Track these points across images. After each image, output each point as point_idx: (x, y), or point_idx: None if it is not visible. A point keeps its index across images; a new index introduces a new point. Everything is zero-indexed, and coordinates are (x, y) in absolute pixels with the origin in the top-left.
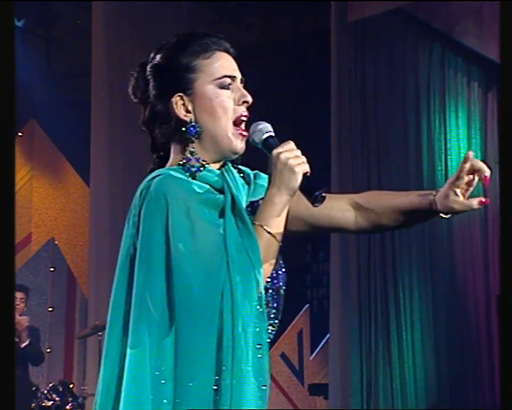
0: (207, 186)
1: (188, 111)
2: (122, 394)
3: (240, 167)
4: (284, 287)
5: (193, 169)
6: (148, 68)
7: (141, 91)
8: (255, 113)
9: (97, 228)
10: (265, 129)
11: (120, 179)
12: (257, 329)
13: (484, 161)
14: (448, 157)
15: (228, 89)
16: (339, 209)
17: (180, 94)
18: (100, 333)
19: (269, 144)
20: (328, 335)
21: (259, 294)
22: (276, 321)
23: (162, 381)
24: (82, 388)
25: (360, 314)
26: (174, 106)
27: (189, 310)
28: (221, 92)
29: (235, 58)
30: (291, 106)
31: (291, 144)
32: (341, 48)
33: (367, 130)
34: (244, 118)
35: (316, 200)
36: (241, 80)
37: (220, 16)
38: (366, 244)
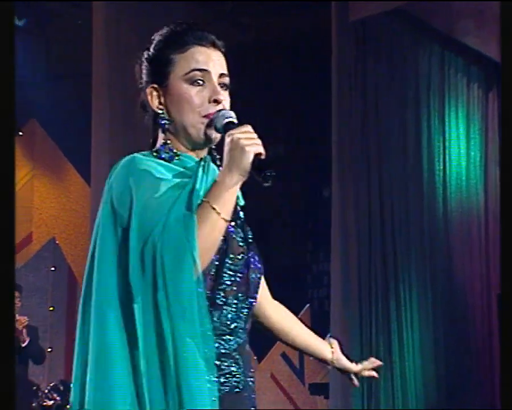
0: (181, 169)
1: (160, 104)
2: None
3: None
4: (254, 275)
5: (165, 157)
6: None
7: (139, 79)
8: (256, 112)
9: None
10: (227, 115)
11: None
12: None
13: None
14: (447, 157)
15: (198, 84)
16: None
17: (154, 85)
18: None
19: (229, 129)
20: (329, 335)
21: (197, 274)
22: (245, 311)
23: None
24: None
25: (361, 313)
26: (149, 97)
27: (131, 283)
28: (189, 88)
29: (224, 55)
30: (292, 106)
31: (247, 127)
32: (342, 47)
33: (368, 130)
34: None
35: (264, 178)
36: (221, 74)
37: (219, 15)
38: (366, 243)
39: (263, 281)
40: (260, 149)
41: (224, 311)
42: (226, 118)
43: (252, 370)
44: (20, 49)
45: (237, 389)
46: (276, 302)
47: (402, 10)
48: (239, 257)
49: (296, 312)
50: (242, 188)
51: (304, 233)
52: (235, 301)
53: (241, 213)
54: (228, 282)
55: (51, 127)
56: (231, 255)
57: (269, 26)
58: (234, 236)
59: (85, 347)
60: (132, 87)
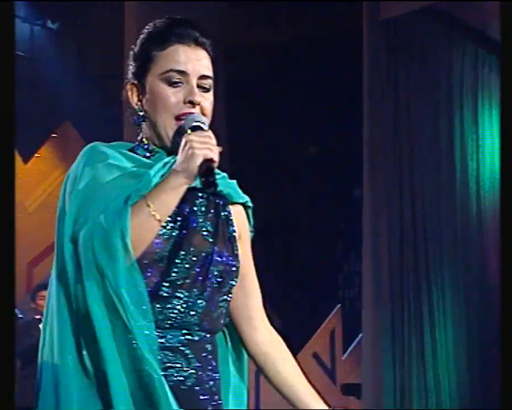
0: (149, 162)
1: (139, 100)
2: None
3: None
4: (217, 272)
5: (140, 153)
6: None
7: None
8: (289, 113)
9: None
10: (196, 118)
11: None
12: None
13: None
14: (481, 156)
15: (175, 85)
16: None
17: (134, 82)
18: None
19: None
20: (360, 335)
21: (131, 263)
22: (200, 308)
23: None
24: None
25: (392, 314)
26: (129, 93)
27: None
28: (165, 88)
29: (209, 53)
30: (323, 106)
31: (207, 132)
32: (373, 47)
33: (399, 130)
34: (184, 117)
35: (204, 184)
36: (202, 76)
37: (250, 15)
38: (398, 243)
39: (254, 299)
40: (211, 155)
41: (169, 305)
42: (195, 121)
43: (217, 373)
44: (54, 52)
45: (184, 386)
46: (273, 330)
47: (434, 8)
48: (200, 251)
49: (327, 312)
50: (271, 188)
51: (335, 233)
52: (186, 295)
53: (225, 208)
54: (176, 275)
55: (84, 129)
56: (192, 248)
57: (301, 26)
58: (197, 228)
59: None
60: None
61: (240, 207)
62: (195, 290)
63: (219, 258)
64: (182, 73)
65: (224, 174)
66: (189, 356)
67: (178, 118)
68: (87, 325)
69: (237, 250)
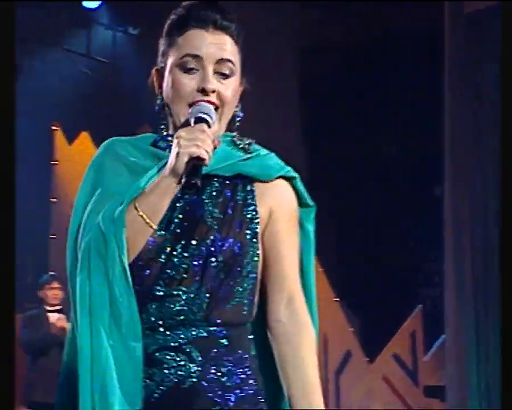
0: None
1: (160, 87)
2: None
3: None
4: (222, 258)
5: (162, 146)
6: None
7: None
8: (368, 112)
9: None
10: (202, 109)
11: None
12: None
13: None
14: None
15: (190, 72)
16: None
17: (158, 68)
18: None
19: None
20: (443, 336)
21: (122, 263)
22: (204, 303)
23: None
24: None
25: (476, 313)
26: (153, 79)
27: None
28: (181, 75)
29: (232, 36)
30: (403, 104)
31: (198, 126)
32: (455, 42)
33: (482, 127)
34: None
35: (185, 184)
36: (219, 60)
37: (327, 15)
38: (481, 241)
39: (279, 283)
40: (197, 152)
41: (167, 304)
42: (200, 112)
43: (238, 367)
44: (134, 57)
45: (184, 385)
46: (297, 318)
47: None
48: (202, 240)
49: (408, 312)
50: (350, 187)
51: (415, 232)
52: (186, 291)
53: (245, 188)
54: (174, 271)
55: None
56: (193, 240)
57: (378, 24)
58: (202, 216)
59: None
60: (247, 93)
61: (277, 181)
62: (195, 284)
63: (221, 246)
64: (196, 57)
65: (261, 149)
66: (193, 353)
67: (191, 106)
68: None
69: (251, 233)
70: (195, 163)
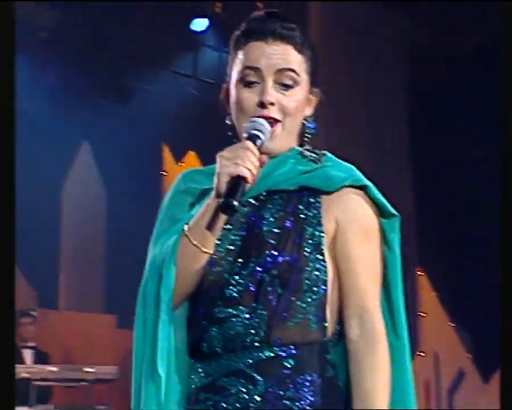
0: None
1: (228, 104)
2: None
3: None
4: (280, 272)
5: None
6: None
7: None
8: (475, 121)
9: None
10: (254, 126)
11: None
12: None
13: None
14: None
15: (250, 85)
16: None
17: (225, 85)
18: None
19: (252, 143)
20: None
21: (157, 301)
22: (263, 322)
23: None
24: None
25: None
26: (222, 95)
27: None
28: (241, 89)
29: (295, 46)
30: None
31: (241, 144)
32: None
33: None
34: None
35: (221, 205)
36: (279, 70)
37: (436, 28)
38: None
39: (351, 298)
40: (237, 171)
41: (227, 325)
42: (252, 129)
43: (304, 389)
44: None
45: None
46: (370, 334)
47: None
48: (260, 257)
49: None
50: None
51: None
52: (244, 311)
53: (309, 200)
54: (232, 291)
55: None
56: (252, 257)
57: (487, 32)
58: (260, 233)
59: None
60: (350, 105)
61: (344, 191)
62: (252, 303)
63: (274, 261)
64: (255, 70)
65: (334, 160)
66: (256, 377)
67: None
68: None
69: (312, 246)
70: (236, 181)
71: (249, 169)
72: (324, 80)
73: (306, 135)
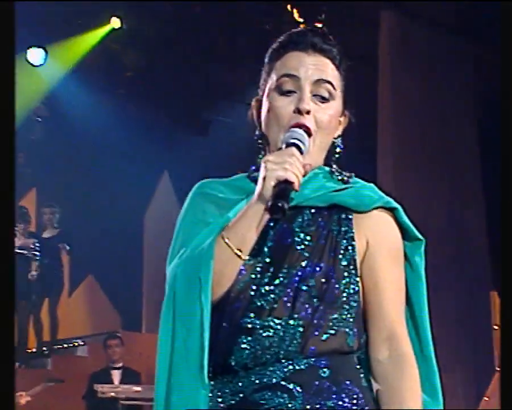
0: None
1: (259, 117)
2: None
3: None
4: (311, 284)
5: (257, 177)
6: None
7: None
8: None
9: None
10: (293, 136)
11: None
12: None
13: None
14: None
15: (288, 94)
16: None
17: (258, 98)
18: None
19: None
20: None
21: (201, 305)
22: (297, 333)
23: None
24: None
25: None
26: (253, 110)
27: None
28: (278, 98)
29: (332, 60)
30: None
31: (287, 150)
32: None
33: None
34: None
35: (272, 208)
36: (317, 80)
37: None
38: None
39: (377, 319)
40: (285, 175)
41: (260, 337)
42: (291, 138)
43: (342, 397)
44: None
45: None
46: (398, 358)
47: None
48: (292, 268)
49: None
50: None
51: None
52: (277, 322)
53: (340, 219)
54: (264, 302)
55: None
56: (283, 269)
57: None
58: (292, 244)
59: None
60: (415, 139)
61: (375, 212)
62: (286, 314)
63: (310, 272)
64: (294, 78)
65: (359, 181)
66: (293, 389)
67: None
68: None
69: (347, 260)
70: (283, 186)
71: (296, 175)
72: (395, 108)
73: (335, 154)
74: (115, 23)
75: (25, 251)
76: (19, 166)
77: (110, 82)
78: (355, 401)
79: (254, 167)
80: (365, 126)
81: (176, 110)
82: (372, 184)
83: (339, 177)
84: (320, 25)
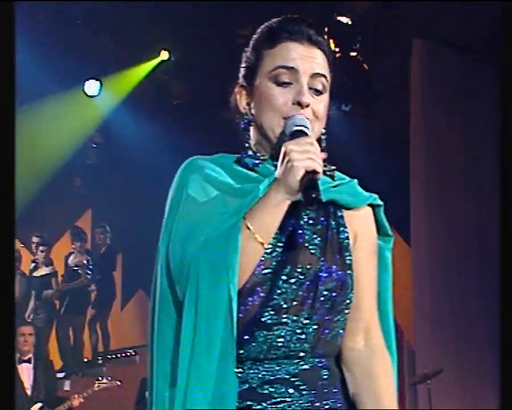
0: (255, 176)
1: (247, 104)
2: None
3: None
4: (325, 288)
5: (249, 164)
6: None
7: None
8: None
9: (420, 286)
10: (298, 122)
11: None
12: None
13: None
14: None
15: (284, 85)
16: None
17: (243, 84)
18: (429, 381)
19: (296, 137)
20: None
21: (229, 294)
22: (310, 332)
23: None
24: None
25: None
26: (238, 96)
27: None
28: (273, 88)
29: (325, 53)
30: None
31: (308, 139)
32: None
33: None
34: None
35: (307, 200)
36: (313, 74)
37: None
38: None
39: (359, 311)
40: (313, 166)
41: (275, 332)
42: (296, 125)
43: (338, 398)
44: (347, 133)
45: None
46: (375, 349)
47: None
48: (307, 269)
49: None
50: None
51: None
52: (294, 320)
53: (336, 213)
54: (281, 298)
55: (371, 185)
56: (298, 268)
57: None
58: (304, 243)
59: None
60: (448, 151)
61: (362, 209)
62: (303, 313)
63: (328, 275)
64: (291, 70)
65: (344, 177)
66: (301, 387)
67: (285, 119)
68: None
69: (349, 259)
70: (311, 177)
71: (320, 165)
72: (426, 132)
73: (323, 144)
74: (164, 54)
75: (78, 269)
76: (75, 189)
77: (158, 110)
78: (342, 402)
79: (245, 154)
80: (397, 145)
81: (220, 137)
82: (355, 180)
83: (328, 173)
84: (354, 54)
